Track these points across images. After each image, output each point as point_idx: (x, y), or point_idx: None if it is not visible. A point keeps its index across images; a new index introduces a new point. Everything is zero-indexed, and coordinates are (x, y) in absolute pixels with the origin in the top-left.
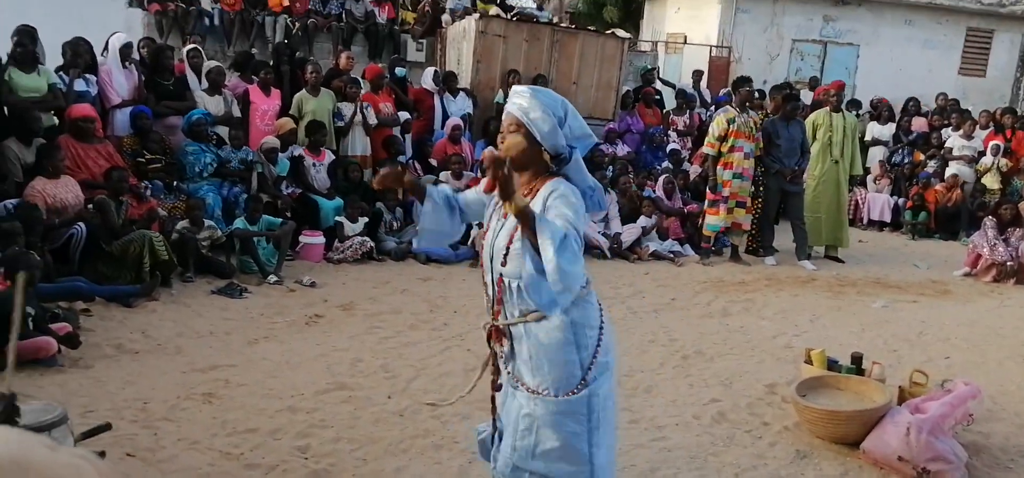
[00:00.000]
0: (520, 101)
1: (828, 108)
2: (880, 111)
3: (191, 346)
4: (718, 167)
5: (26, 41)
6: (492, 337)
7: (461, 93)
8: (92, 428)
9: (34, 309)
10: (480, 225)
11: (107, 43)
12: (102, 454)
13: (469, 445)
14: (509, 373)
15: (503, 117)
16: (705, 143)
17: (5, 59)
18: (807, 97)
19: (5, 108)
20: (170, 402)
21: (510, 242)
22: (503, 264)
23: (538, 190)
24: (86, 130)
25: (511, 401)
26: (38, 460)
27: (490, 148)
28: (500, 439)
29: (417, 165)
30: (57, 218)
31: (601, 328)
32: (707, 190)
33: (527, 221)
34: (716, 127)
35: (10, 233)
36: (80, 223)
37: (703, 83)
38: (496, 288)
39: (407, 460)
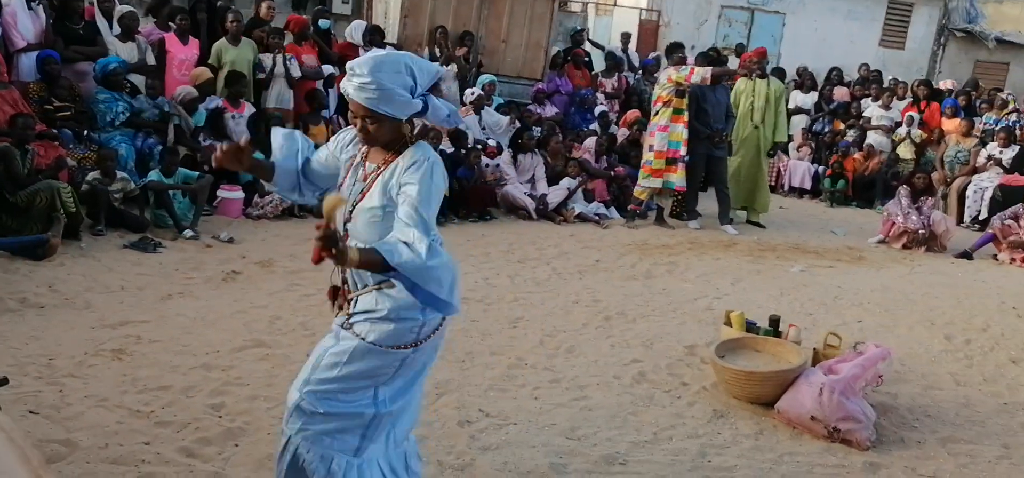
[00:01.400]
0: (367, 94)
1: (750, 74)
2: (803, 80)
3: (101, 301)
4: (679, 126)
5: None
6: (337, 296)
7: (388, 48)
8: None
9: None
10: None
11: None
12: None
13: None
14: (344, 325)
15: (350, 103)
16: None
17: None
18: (734, 64)
19: None
20: (77, 358)
21: (360, 199)
22: (347, 219)
23: (391, 163)
24: None
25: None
26: None
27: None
28: None
29: (341, 120)
30: None
31: None
32: (650, 151)
33: (373, 266)
34: (666, 89)
35: None
36: None
37: (631, 46)
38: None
39: None
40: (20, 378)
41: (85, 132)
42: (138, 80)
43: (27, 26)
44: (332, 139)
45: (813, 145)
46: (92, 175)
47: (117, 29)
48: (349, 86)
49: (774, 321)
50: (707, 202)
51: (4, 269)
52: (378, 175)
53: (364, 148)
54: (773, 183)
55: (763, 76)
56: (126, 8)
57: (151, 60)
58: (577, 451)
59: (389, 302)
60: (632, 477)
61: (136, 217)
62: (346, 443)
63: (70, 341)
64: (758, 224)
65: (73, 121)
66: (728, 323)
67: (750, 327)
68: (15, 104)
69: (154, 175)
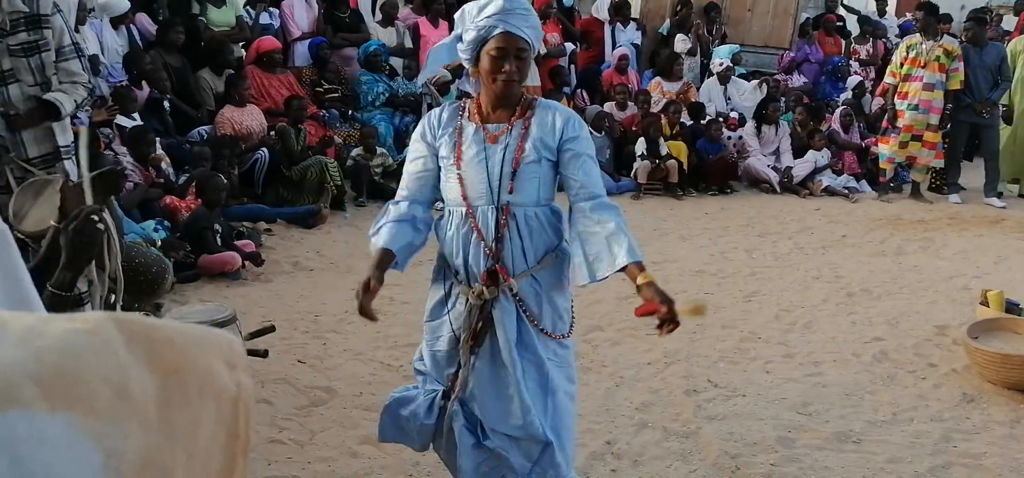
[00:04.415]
0: (532, 27)
1: None
2: None
3: (361, 266)
4: (895, 98)
5: None
6: (487, 283)
7: (631, 23)
8: (258, 329)
9: (222, 227)
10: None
11: None
12: (264, 354)
13: (617, 369)
14: (523, 315)
15: (504, 41)
16: (887, 72)
17: None
18: (1011, 23)
19: (201, 41)
20: (338, 316)
21: (516, 165)
22: (510, 191)
23: (532, 118)
24: (276, 61)
25: (498, 360)
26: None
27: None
28: (461, 421)
29: (585, 95)
30: (243, 144)
31: None
32: (885, 122)
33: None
34: (897, 55)
35: (201, 156)
36: (263, 149)
37: (891, 8)
38: (500, 222)
39: None
40: (291, 331)
41: (349, 112)
42: (395, 62)
43: (302, 17)
44: (415, 144)
45: None
46: (355, 151)
47: (379, 15)
48: (512, 20)
49: None
50: (972, 175)
51: (281, 236)
52: (523, 132)
53: (468, 113)
54: None
55: None
56: None
57: (408, 43)
58: (807, 427)
59: (545, 288)
60: (866, 456)
61: (394, 190)
62: None
63: (333, 300)
64: None
65: (339, 102)
66: (985, 303)
67: (1010, 308)
68: (291, 87)
69: None
